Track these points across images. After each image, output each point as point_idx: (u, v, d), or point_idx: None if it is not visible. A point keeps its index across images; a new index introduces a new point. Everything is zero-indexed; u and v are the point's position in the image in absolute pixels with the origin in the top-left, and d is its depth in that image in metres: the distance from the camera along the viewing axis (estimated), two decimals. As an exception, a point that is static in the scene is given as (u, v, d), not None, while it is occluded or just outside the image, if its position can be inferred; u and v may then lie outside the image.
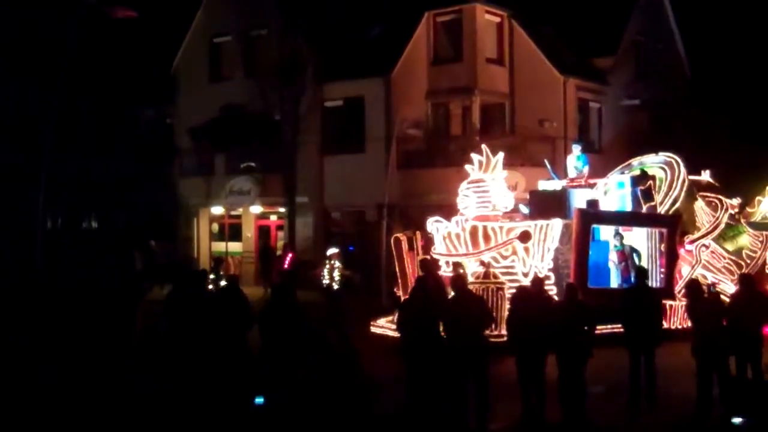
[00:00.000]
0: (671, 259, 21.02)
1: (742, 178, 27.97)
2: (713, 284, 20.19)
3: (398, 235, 22.01)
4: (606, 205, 22.18)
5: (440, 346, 13.22)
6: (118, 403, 14.40)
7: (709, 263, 22.27)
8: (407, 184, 33.88)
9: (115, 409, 14.00)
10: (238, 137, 36.66)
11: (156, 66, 39.64)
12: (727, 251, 22.96)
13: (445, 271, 20.18)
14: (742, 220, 24.09)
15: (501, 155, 21.27)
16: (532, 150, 33.37)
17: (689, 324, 20.15)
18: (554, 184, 23.73)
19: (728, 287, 20.95)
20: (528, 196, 23.74)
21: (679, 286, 21.61)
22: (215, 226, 39.95)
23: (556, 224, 19.99)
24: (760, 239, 23.63)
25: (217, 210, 39.03)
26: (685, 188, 22.34)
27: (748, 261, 23.00)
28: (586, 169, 23.63)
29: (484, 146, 21.80)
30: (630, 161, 24.65)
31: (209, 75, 38.57)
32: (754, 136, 34.33)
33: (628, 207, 22.00)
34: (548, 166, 25.14)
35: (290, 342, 13.32)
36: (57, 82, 26.35)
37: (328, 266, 27.99)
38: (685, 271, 21.99)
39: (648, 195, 21.55)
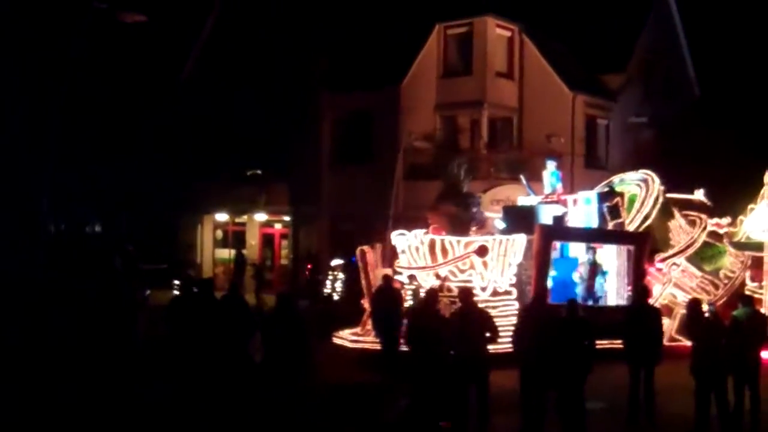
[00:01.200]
0: (638, 276, 20.88)
1: (741, 198, 27.58)
2: (713, 303, 20.02)
3: (363, 247, 22.04)
4: (575, 222, 22.11)
5: (447, 359, 13.26)
6: (121, 406, 14.51)
7: (681, 282, 22.09)
8: (414, 195, 33.87)
9: (117, 412, 14.10)
10: (245, 145, 36.88)
11: (164, 71, 39.90)
12: (703, 270, 22.76)
13: (406, 285, 20.33)
14: (725, 240, 23.82)
15: None
16: (539, 164, 33.19)
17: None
18: (531, 200, 23.71)
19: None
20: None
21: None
22: (219, 233, 40.16)
23: (518, 239, 19.94)
24: (741, 259, 23.33)
25: (222, 217, 39.26)
26: (657, 205, 22.21)
27: (726, 281, 22.76)
28: (559, 186, 23.59)
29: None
30: (612, 178, 24.56)
31: (218, 82, 38.71)
32: (759, 156, 33.77)
33: (594, 223, 21.88)
34: (524, 181, 25.10)
35: (293, 351, 13.63)
36: (62, 87, 26.83)
37: (331, 276, 28.12)
38: (656, 290, 21.86)
39: (615, 212, 21.39)
